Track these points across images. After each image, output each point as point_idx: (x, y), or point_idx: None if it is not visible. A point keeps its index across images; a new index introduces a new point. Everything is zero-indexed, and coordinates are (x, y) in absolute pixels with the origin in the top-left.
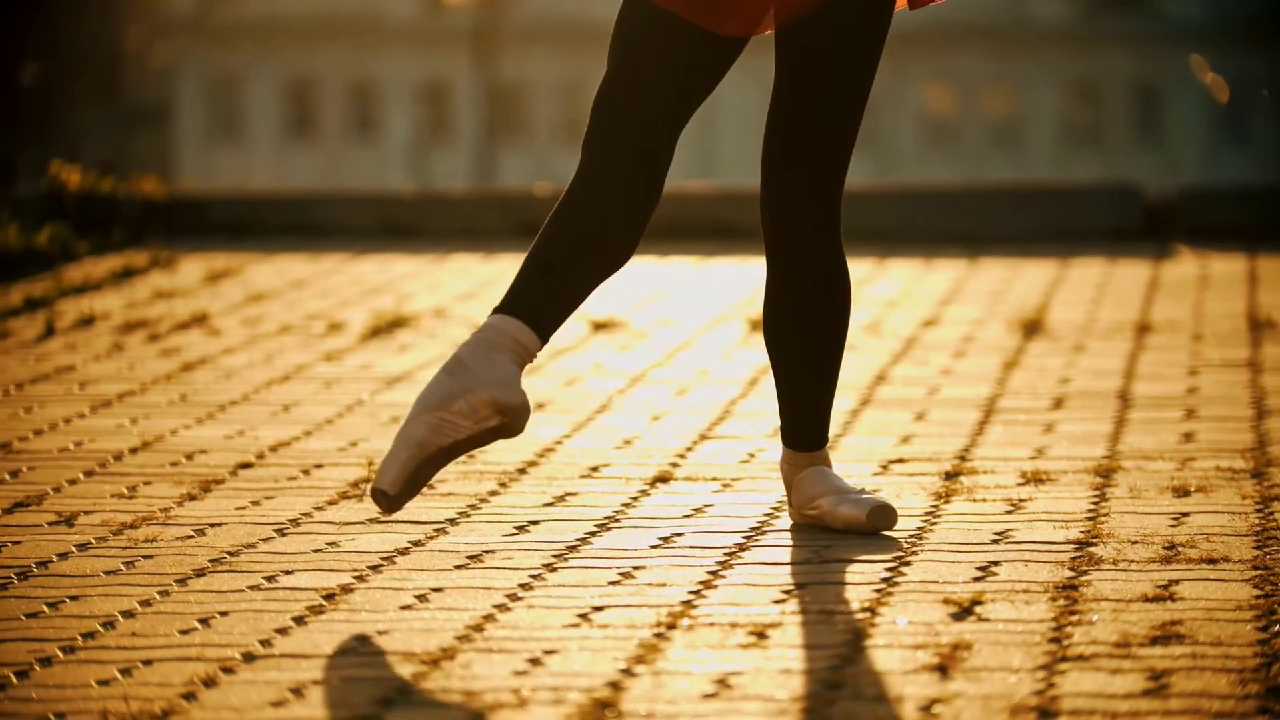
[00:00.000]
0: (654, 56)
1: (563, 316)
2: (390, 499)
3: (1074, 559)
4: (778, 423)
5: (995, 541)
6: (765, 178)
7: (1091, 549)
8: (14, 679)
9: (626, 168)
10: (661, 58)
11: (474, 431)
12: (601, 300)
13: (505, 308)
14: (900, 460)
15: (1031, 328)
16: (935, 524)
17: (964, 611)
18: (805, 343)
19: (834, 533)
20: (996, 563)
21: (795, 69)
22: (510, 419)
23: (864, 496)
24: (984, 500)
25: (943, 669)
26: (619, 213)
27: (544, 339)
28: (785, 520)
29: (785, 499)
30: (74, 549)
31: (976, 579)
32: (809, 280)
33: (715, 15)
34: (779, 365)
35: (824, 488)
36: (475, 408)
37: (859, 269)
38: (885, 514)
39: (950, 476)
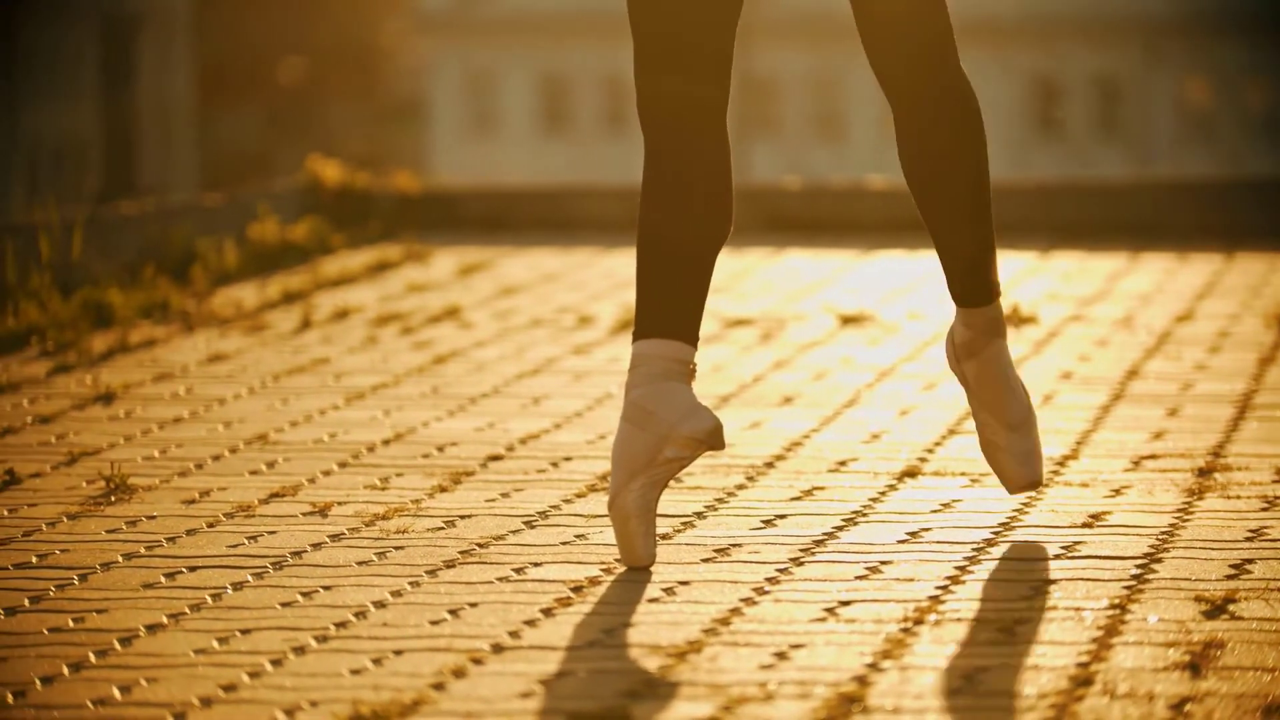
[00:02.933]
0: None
1: (699, 311)
2: (648, 567)
3: None
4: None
5: (1250, 539)
6: (867, 40)
7: None
8: (269, 666)
9: (682, 138)
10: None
11: (683, 467)
12: (851, 294)
13: (646, 332)
14: (1153, 456)
15: None
16: (1188, 521)
17: (1217, 609)
18: (947, 179)
19: (1082, 528)
20: (1250, 560)
21: None
22: (712, 443)
23: (1025, 449)
24: (1238, 497)
25: (1194, 667)
26: (691, 185)
27: (695, 342)
28: (1035, 516)
29: (1051, 480)
30: (327, 539)
31: (1230, 576)
32: (931, 110)
33: None
34: (928, 212)
35: (1004, 410)
36: (679, 450)
37: (1112, 263)
38: (1034, 483)
39: (1204, 473)
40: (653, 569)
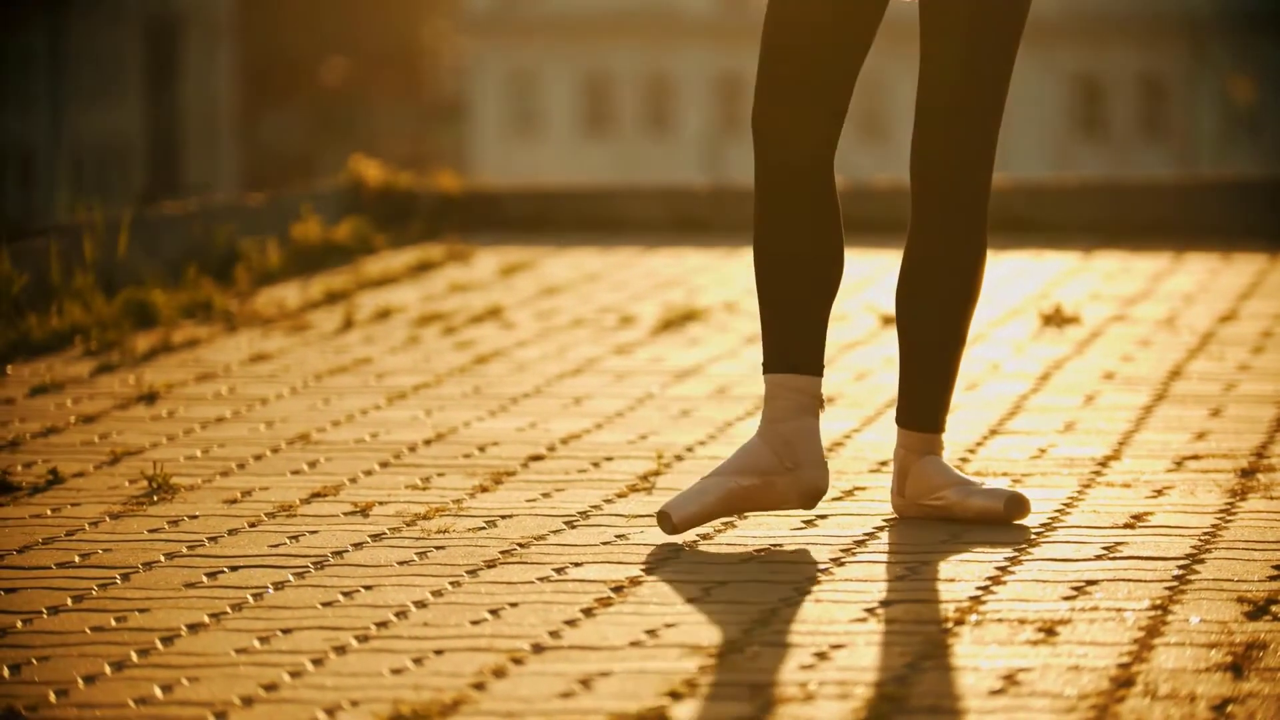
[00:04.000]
0: (799, 19)
1: (823, 339)
2: (673, 529)
3: None
4: (1069, 418)
5: None
6: (914, 136)
7: None
8: (310, 666)
9: (793, 177)
10: (811, 18)
11: (773, 505)
12: (893, 294)
13: (779, 366)
14: (1195, 457)
15: None
16: (1230, 521)
17: (1259, 610)
18: (933, 309)
19: (1124, 529)
20: None
21: (936, 24)
22: (808, 502)
23: (991, 487)
24: None
25: (1237, 668)
26: (807, 217)
27: (821, 373)
28: (1076, 516)
29: (1092, 480)
30: (368, 539)
31: (1272, 578)
32: (943, 247)
33: None
34: (904, 330)
35: (947, 479)
36: (788, 487)
37: (1156, 264)
38: (1020, 504)
39: (1247, 474)
40: (694, 568)
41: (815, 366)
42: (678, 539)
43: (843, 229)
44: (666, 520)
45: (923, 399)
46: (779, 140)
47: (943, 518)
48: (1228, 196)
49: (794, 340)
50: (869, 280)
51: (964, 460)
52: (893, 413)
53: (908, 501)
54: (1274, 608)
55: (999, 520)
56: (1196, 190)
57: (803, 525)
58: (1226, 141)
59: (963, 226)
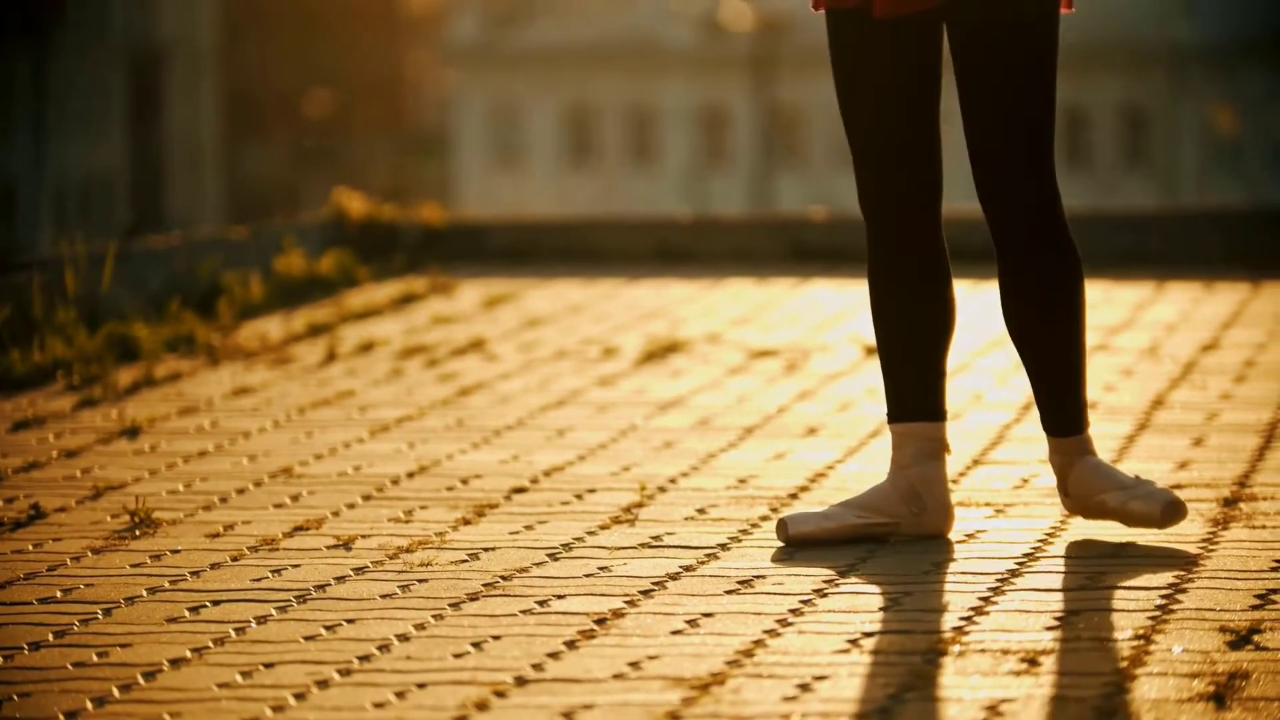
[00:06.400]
0: (870, 86)
1: (943, 384)
2: (787, 539)
3: None
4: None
5: (1275, 569)
6: (974, 167)
7: None
8: (291, 700)
9: (906, 251)
10: (876, 87)
11: (890, 538)
12: None
13: (900, 416)
14: (1178, 486)
15: None
16: (1213, 551)
17: (1242, 640)
18: (1044, 328)
19: (1107, 558)
20: (1276, 590)
21: (969, 52)
22: (925, 534)
23: (1151, 489)
24: (1264, 527)
25: (1219, 698)
26: (921, 272)
27: (944, 417)
28: (1059, 546)
29: (1062, 518)
30: (351, 572)
31: (1255, 607)
32: (1036, 273)
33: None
34: (1022, 350)
35: (1107, 482)
36: (910, 530)
37: (1138, 293)
38: (1176, 510)
39: (1229, 503)
40: (677, 600)
41: (936, 412)
42: (661, 568)
43: (951, 276)
44: (783, 529)
45: (1060, 406)
46: (889, 222)
47: (1105, 518)
48: (1209, 226)
49: (913, 389)
50: (852, 312)
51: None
52: (874, 443)
53: (1074, 501)
54: (1256, 637)
55: (1156, 525)
56: (1178, 219)
57: (785, 557)
58: (1208, 171)
59: (1048, 250)
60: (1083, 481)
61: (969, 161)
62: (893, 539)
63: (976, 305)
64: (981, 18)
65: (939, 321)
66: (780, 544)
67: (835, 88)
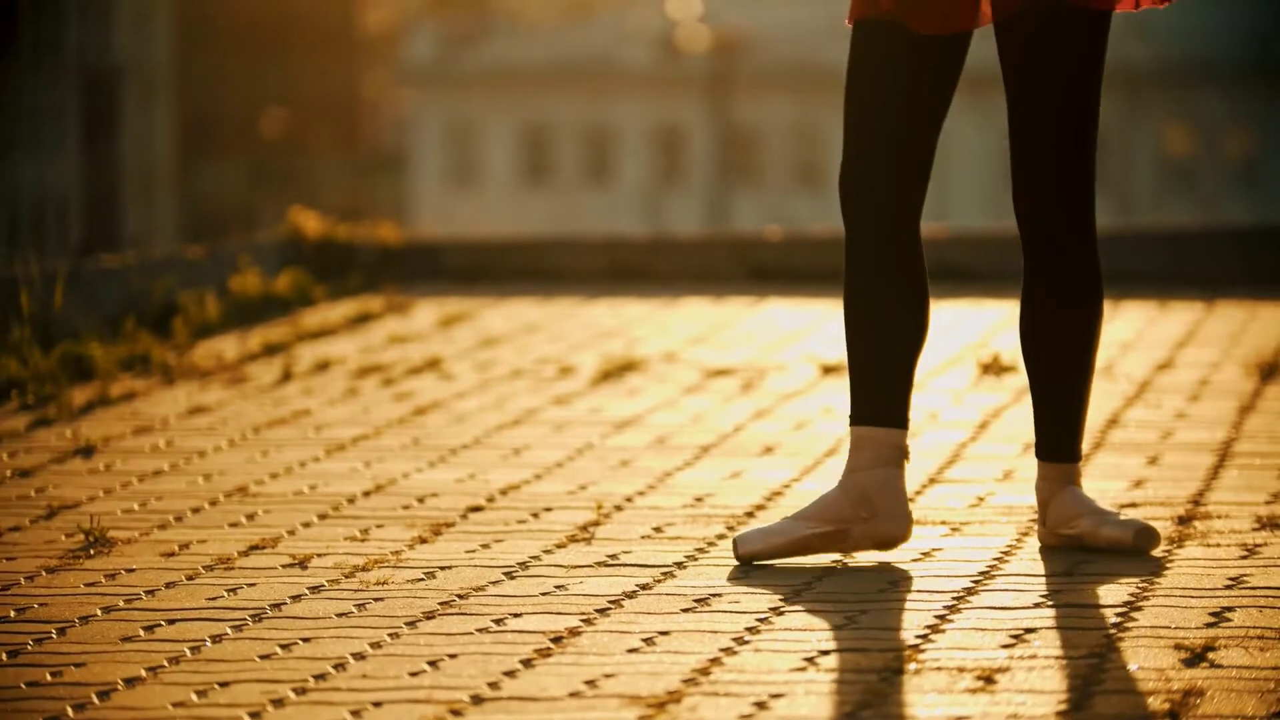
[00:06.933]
0: (880, 90)
1: (909, 392)
2: (740, 558)
3: None
4: (1008, 466)
5: (1229, 587)
6: (1014, 183)
7: None
8: (247, 719)
9: (886, 234)
10: (886, 91)
11: (846, 551)
12: (831, 344)
13: (861, 419)
14: (1133, 505)
15: (1269, 371)
16: (1168, 569)
17: (1196, 658)
18: (1059, 352)
19: (1063, 576)
20: (1230, 608)
21: (1020, 69)
22: (886, 548)
23: (1125, 518)
24: (1218, 545)
25: (1174, 716)
26: (898, 278)
27: (907, 425)
28: (1015, 564)
29: (1034, 526)
30: (307, 591)
31: (1210, 625)
32: (1061, 284)
33: (942, 20)
34: (1033, 371)
35: (1083, 508)
36: (863, 537)
37: None
38: (1150, 536)
39: (1184, 521)
40: (633, 619)
41: (900, 419)
42: (618, 586)
43: (928, 285)
44: (736, 548)
45: (1058, 432)
46: (866, 206)
47: (1077, 546)
48: (1164, 246)
49: (879, 393)
50: (808, 330)
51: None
52: (831, 461)
53: (1048, 531)
54: (1211, 655)
55: (1128, 549)
56: (1133, 239)
57: (741, 575)
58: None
59: (1077, 273)
60: (1060, 509)
61: (1010, 175)
62: (847, 550)
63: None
64: (1035, 29)
65: (913, 328)
66: (736, 562)
67: (849, 94)
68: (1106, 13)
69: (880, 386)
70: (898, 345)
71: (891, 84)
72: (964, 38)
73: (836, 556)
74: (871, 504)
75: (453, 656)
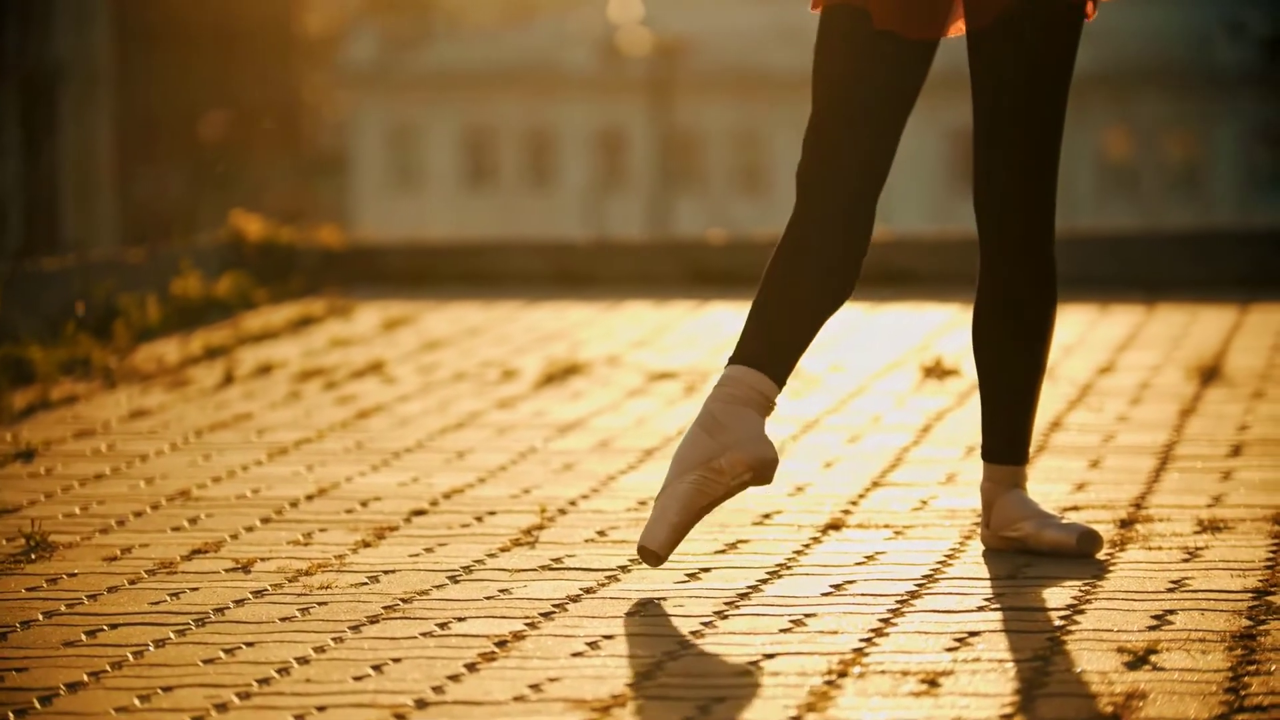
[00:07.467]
0: (854, 80)
1: (795, 360)
2: (659, 558)
3: (1252, 608)
4: (951, 470)
5: (1171, 590)
6: (976, 189)
7: (1270, 598)
8: None
9: (838, 207)
10: (861, 79)
11: (730, 487)
12: None
13: (741, 359)
14: (1075, 508)
15: (1210, 374)
16: (1110, 572)
17: (1139, 661)
18: (1009, 350)
19: (1006, 579)
20: (1172, 611)
21: (991, 78)
22: (762, 473)
23: (1068, 522)
24: (1160, 548)
25: (1117, 718)
26: (833, 251)
27: (781, 385)
28: (958, 568)
29: (978, 529)
30: (250, 595)
31: (1152, 628)
32: (1017, 289)
33: (904, 21)
34: (983, 370)
35: (1026, 511)
36: (733, 464)
37: None
38: (1092, 539)
39: (1125, 524)
40: (578, 622)
41: (777, 375)
42: (562, 590)
43: (859, 272)
44: (649, 555)
45: (1005, 434)
46: (819, 197)
47: (1020, 549)
48: (1105, 249)
49: (767, 344)
50: None
51: (846, 512)
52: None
53: (992, 534)
54: (1153, 657)
55: (1071, 553)
56: (1074, 243)
57: (686, 578)
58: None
59: (1032, 270)
60: (1004, 511)
61: (972, 180)
62: (729, 489)
63: (875, 328)
64: (1009, 40)
65: (827, 302)
66: (671, 566)
67: (818, 75)
68: (1078, 25)
69: (770, 338)
70: (804, 313)
71: (860, 74)
72: (932, 45)
73: (781, 560)
74: (728, 431)
75: (397, 661)
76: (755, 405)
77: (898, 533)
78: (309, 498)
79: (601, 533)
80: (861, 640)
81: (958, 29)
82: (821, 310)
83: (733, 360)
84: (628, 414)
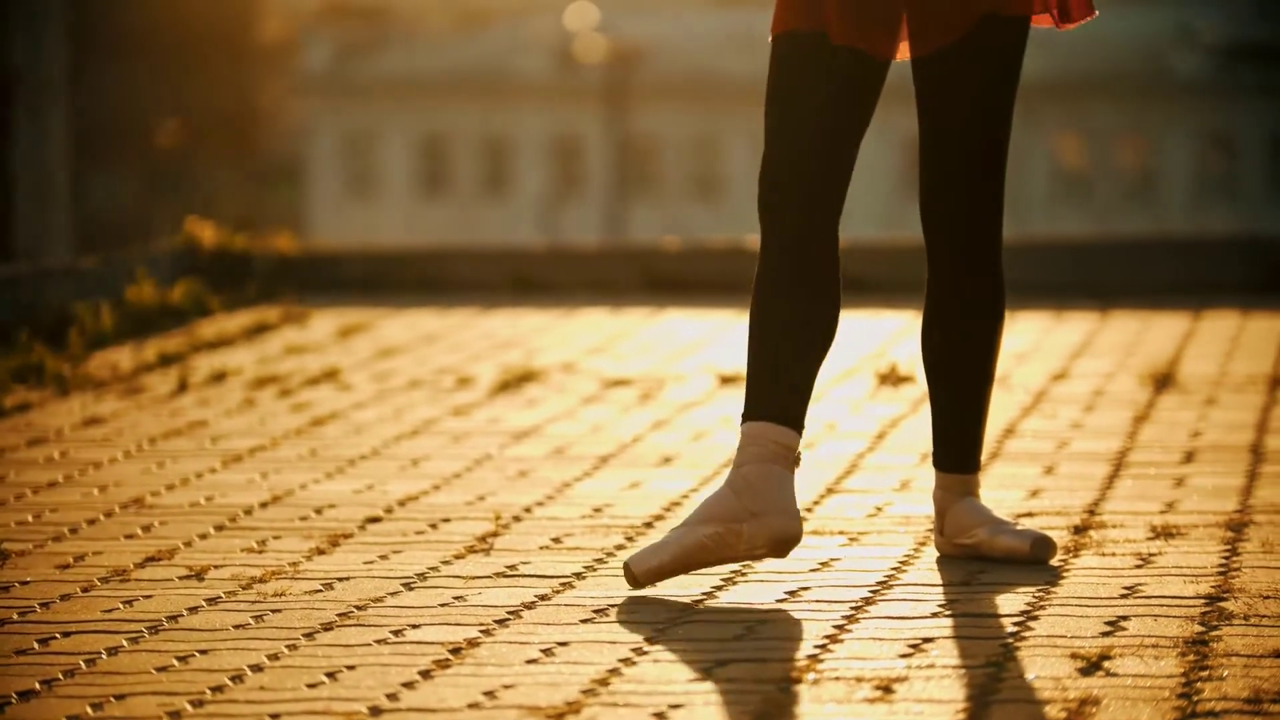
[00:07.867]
0: (809, 104)
1: (808, 399)
2: (637, 584)
3: (1204, 614)
4: (905, 476)
5: (1125, 596)
6: (923, 201)
7: (1222, 604)
8: None
9: (806, 231)
10: (816, 104)
11: (741, 554)
12: (730, 354)
13: (758, 414)
14: (1029, 514)
15: (1163, 381)
16: (1063, 578)
17: (1092, 666)
18: (960, 357)
19: (960, 585)
20: (1126, 617)
21: (937, 101)
22: (779, 550)
23: (1022, 528)
24: (1113, 554)
25: None
26: (810, 284)
27: (800, 430)
28: (912, 574)
29: (928, 539)
30: (204, 603)
31: (1105, 634)
32: (965, 298)
33: (862, 37)
34: (933, 379)
35: (980, 518)
36: (754, 534)
37: None
38: (1046, 545)
39: (1079, 530)
40: (532, 630)
41: (795, 422)
42: (516, 598)
43: (841, 293)
44: (630, 574)
45: (957, 443)
46: (785, 218)
47: (974, 556)
48: (1058, 256)
49: (776, 393)
50: (706, 341)
51: (801, 519)
52: (729, 472)
53: (946, 540)
54: (1107, 663)
55: (1025, 559)
56: (1028, 250)
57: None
58: (1057, 202)
59: (980, 283)
60: (957, 518)
61: (918, 177)
62: (741, 555)
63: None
64: (953, 65)
65: (818, 337)
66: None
67: (771, 102)
68: (1020, 49)
69: (777, 386)
70: (801, 349)
71: (816, 94)
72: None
73: (736, 566)
74: (759, 497)
75: (351, 668)
76: (785, 462)
77: (852, 539)
78: (263, 505)
79: (556, 540)
80: (816, 646)
81: (903, 52)
82: (813, 341)
83: (746, 417)
84: (583, 421)
